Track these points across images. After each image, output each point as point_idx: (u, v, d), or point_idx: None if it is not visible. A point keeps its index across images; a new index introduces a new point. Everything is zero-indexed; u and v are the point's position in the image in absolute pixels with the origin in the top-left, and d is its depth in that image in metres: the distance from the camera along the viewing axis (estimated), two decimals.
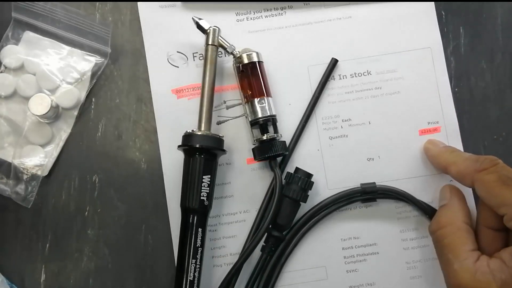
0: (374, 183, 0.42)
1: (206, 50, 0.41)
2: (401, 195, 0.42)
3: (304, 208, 0.41)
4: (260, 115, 0.41)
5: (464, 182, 0.36)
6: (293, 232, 0.42)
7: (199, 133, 0.39)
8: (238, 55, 0.41)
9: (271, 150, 0.40)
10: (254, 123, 0.41)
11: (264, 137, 0.41)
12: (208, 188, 0.39)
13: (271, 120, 0.41)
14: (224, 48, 0.41)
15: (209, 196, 0.39)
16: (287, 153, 0.42)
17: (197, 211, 0.39)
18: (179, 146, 0.40)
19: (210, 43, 0.41)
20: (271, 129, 0.41)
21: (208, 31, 0.41)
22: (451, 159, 0.38)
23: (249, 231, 0.42)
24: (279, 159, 0.43)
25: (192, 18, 0.41)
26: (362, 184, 0.42)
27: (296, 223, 0.42)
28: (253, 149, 0.42)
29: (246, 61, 0.41)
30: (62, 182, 0.43)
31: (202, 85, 0.41)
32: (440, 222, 0.37)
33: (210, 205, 0.40)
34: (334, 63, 0.44)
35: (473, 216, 0.39)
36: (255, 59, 0.41)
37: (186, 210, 0.39)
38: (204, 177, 0.39)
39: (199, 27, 0.41)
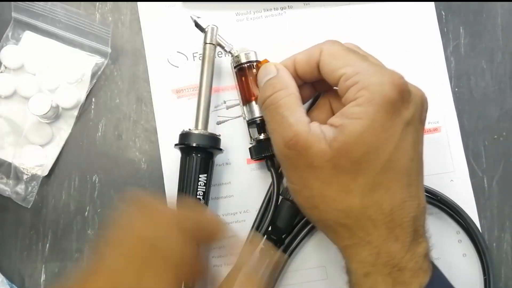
0: None
1: (204, 49, 0.41)
2: None
3: None
4: (257, 114, 0.40)
5: (313, 56, 0.36)
6: (293, 235, 0.41)
7: (196, 132, 0.39)
8: (236, 54, 0.41)
9: (267, 150, 0.40)
10: (251, 122, 0.41)
11: (261, 137, 0.40)
12: (204, 187, 0.39)
13: None
14: (222, 47, 0.41)
15: (205, 195, 0.39)
16: None
17: None
18: (175, 145, 0.40)
19: (208, 41, 0.41)
20: None
21: (206, 29, 0.41)
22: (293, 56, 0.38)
23: (248, 232, 0.42)
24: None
25: (190, 17, 0.41)
26: None
27: (296, 225, 0.41)
28: (250, 149, 0.41)
29: (243, 60, 0.41)
30: (62, 182, 0.43)
31: (199, 84, 0.40)
32: (275, 87, 0.36)
33: (206, 204, 0.40)
34: None
35: None
36: (252, 58, 0.41)
37: None
38: (200, 176, 0.39)
39: (197, 25, 0.41)
